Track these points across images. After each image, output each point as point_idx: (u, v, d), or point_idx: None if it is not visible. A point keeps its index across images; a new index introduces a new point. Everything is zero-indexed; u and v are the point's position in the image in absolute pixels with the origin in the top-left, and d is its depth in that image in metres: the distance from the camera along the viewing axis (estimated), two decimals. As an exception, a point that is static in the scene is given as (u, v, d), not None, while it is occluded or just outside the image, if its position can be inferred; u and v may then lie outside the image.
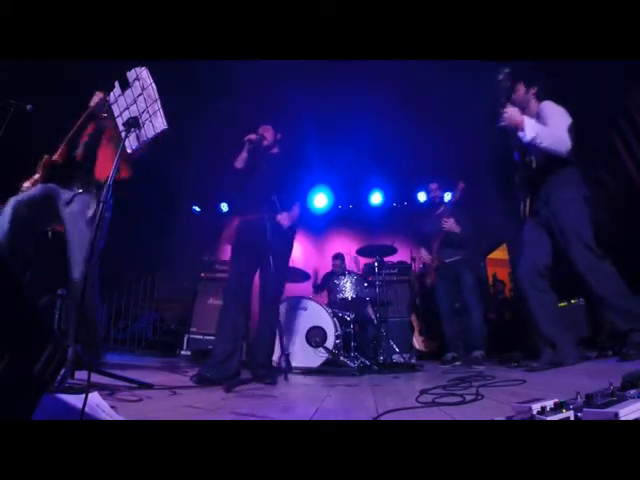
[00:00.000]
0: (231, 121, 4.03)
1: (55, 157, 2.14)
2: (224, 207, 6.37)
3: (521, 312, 3.96)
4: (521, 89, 2.28)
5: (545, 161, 2.16)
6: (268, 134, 2.49)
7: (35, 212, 2.03)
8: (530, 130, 2.01)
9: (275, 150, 2.55)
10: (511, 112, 2.07)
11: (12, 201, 1.98)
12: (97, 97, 2.20)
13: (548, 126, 2.05)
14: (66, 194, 2.14)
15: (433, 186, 3.66)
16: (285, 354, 2.40)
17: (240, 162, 2.39)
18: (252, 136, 2.37)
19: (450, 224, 3.30)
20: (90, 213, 2.11)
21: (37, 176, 2.16)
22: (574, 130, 2.08)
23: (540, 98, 2.23)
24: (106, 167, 2.15)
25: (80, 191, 2.16)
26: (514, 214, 2.44)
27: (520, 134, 2.08)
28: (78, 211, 2.09)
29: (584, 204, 2.10)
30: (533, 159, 2.22)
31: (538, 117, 2.13)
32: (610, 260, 1.99)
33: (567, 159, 2.11)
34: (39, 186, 2.12)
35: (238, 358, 2.08)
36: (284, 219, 2.26)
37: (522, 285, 2.24)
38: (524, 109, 2.22)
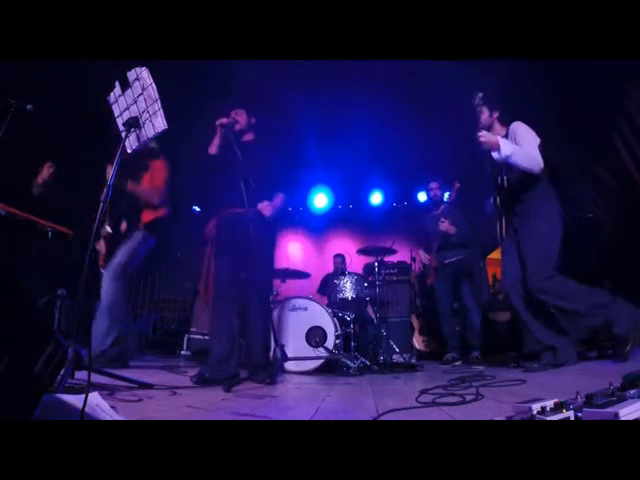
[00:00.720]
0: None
1: (107, 229, 2.52)
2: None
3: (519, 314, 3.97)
4: (485, 112, 2.40)
5: (520, 179, 2.24)
6: (241, 118, 2.34)
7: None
8: (505, 149, 2.09)
9: (250, 136, 2.40)
10: (485, 134, 2.17)
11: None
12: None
13: (521, 146, 2.13)
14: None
15: (433, 185, 3.66)
16: (280, 345, 2.39)
17: (214, 148, 2.24)
18: (224, 120, 2.20)
19: (446, 226, 3.30)
20: (129, 244, 2.52)
21: (103, 250, 2.54)
22: (542, 149, 2.17)
23: (502, 121, 2.37)
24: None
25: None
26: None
27: (494, 155, 2.17)
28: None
29: (555, 224, 2.16)
30: (505, 179, 2.32)
31: (508, 137, 2.24)
32: (561, 276, 2.08)
33: (540, 176, 2.19)
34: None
35: (236, 357, 2.06)
36: (265, 208, 2.12)
37: (509, 295, 2.32)
38: (489, 131, 2.33)
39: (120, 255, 2.45)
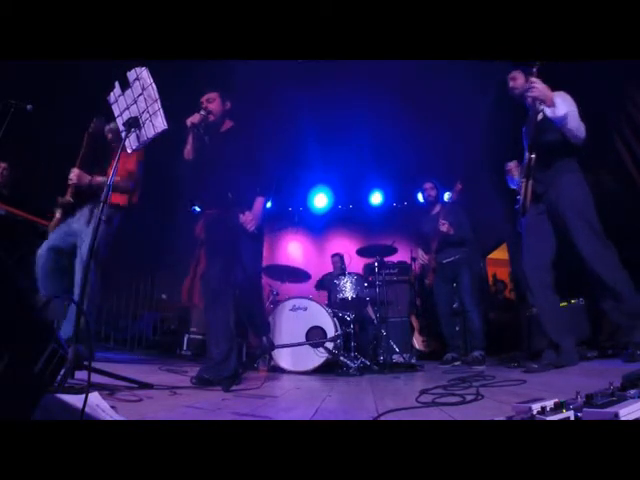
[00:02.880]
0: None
1: (67, 197, 2.34)
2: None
3: (522, 312, 3.97)
4: (519, 78, 2.21)
5: (557, 144, 2.08)
6: (214, 106, 2.11)
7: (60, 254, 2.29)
8: (562, 107, 1.93)
9: (227, 125, 2.20)
10: (540, 85, 1.96)
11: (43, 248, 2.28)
12: (74, 176, 2.29)
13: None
14: (78, 214, 2.35)
15: (427, 185, 3.65)
16: (267, 335, 2.44)
17: (188, 153, 2.08)
18: (195, 118, 2.00)
19: (446, 227, 3.30)
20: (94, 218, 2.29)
21: (58, 215, 2.36)
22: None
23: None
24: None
25: (86, 205, 2.35)
26: (514, 214, 2.39)
27: (547, 110, 1.98)
28: (83, 221, 2.30)
29: (589, 191, 2.04)
30: (547, 138, 2.10)
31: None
32: (614, 249, 1.94)
33: (576, 148, 2.05)
34: (59, 228, 2.33)
35: (235, 357, 2.04)
36: (248, 223, 2.03)
37: (529, 280, 2.14)
38: (524, 98, 2.16)
39: (87, 242, 2.25)
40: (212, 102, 2.12)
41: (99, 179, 2.34)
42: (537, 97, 1.98)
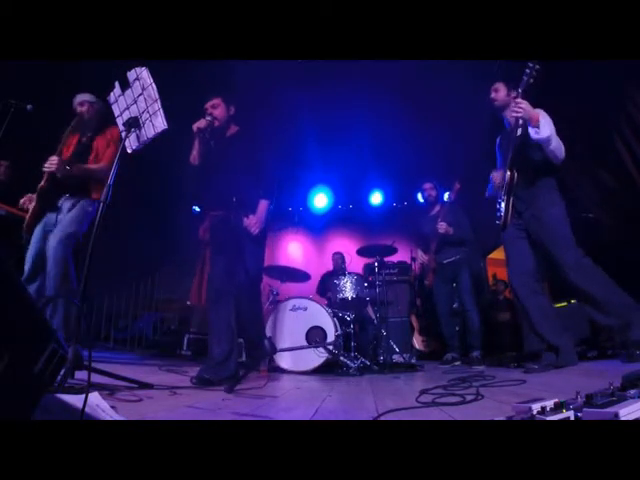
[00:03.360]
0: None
1: (42, 184, 2.23)
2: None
3: (521, 313, 3.97)
4: (501, 90, 2.27)
5: (538, 163, 2.16)
6: (218, 111, 2.15)
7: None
8: (546, 128, 1.98)
9: (233, 129, 2.24)
10: (526, 106, 2.01)
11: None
12: (53, 162, 2.17)
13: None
14: (58, 205, 2.26)
15: (427, 186, 3.66)
16: (268, 338, 2.43)
17: (195, 158, 2.13)
18: (201, 123, 2.05)
19: (445, 227, 3.30)
20: (73, 213, 2.24)
21: (34, 204, 2.26)
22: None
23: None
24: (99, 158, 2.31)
25: (67, 195, 2.27)
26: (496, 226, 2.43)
27: (531, 130, 2.03)
28: (65, 211, 2.23)
29: (563, 208, 2.13)
30: (528, 157, 2.17)
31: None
32: (590, 259, 2.02)
33: (553, 168, 2.14)
34: (39, 227, 2.25)
35: (236, 358, 2.06)
36: (252, 226, 2.07)
37: (516, 290, 2.24)
38: (503, 110, 2.25)
39: (66, 224, 2.22)
40: (216, 108, 2.15)
41: (81, 167, 2.23)
42: (523, 117, 2.04)
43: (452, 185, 3.37)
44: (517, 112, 2.04)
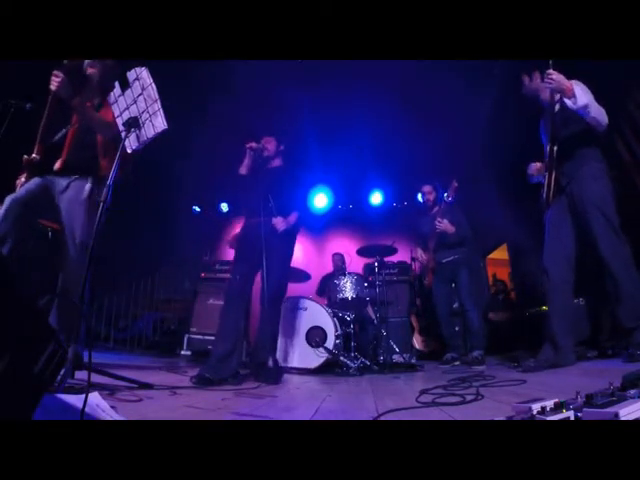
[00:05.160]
0: (231, 121, 4.04)
1: (33, 155, 2.02)
2: (224, 207, 6.38)
3: (522, 312, 3.97)
4: (536, 77, 2.20)
5: (579, 134, 2.06)
6: (270, 145, 2.59)
7: (32, 208, 1.94)
8: (582, 97, 1.92)
9: (277, 162, 2.64)
10: (558, 76, 1.95)
11: (7, 200, 1.91)
12: (56, 80, 1.86)
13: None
14: (62, 182, 2.02)
15: (426, 189, 3.65)
16: (274, 356, 2.33)
17: (244, 169, 2.49)
18: (253, 144, 2.46)
19: (444, 225, 3.29)
20: (84, 196, 1.97)
21: (23, 178, 2.04)
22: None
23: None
24: (104, 148, 2.04)
25: (76, 177, 2.03)
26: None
27: (568, 102, 1.97)
28: (73, 197, 1.98)
29: (610, 183, 2.04)
30: (569, 130, 2.09)
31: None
32: (630, 248, 1.93)
33: (598, 136, 2.04)
34: (34, 180, 2.00)
35: (237, 358, 2.09)
36: (279, 223, 2.32)
37: (549, 276, 2.12)
38: (538, 95, 2.17)
39: (79, 231, 1.94)
40: (269, 143, 2.59)
41: (89, 113, 1.94)
42: (556, 88, 1.97)
43: (450, 183, 3.37)
44: (550, 83, 1.97)
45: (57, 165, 2.08)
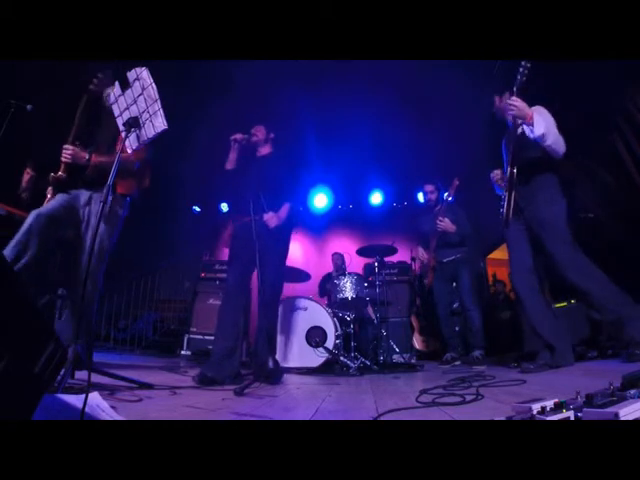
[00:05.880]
0: (231, 121, 4.03)
1: (60, 173, 2.06)
2: (224, 207, 6.39)
3: (521, 312, 3.96)
4: (500, 99, 2.34)
5: (536, 160, 2.18)
6: (259, 132, 2.48)
7: (55, 222, 1.98)
8: (540, 126, 2.01)
9: (267, 149, 2.53)
10: (520, 104, 2.04)
11: (32, 214, 1.95)
12: (67, 152, 1.99)
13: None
14: (85, 195, 2.07)
15: (428, 188, 3.65)
16: (273, 356, 2.33)
17: (230, 163, 2.38)
18: (237, 135, 2.35)
19: (445, 224, 3.29)
20: (106, 210, 1.95)
21: (49, 196, 2.10)
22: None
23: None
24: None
25: (97, 190, 2.05)
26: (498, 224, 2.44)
27: (527, 129, 2.08)
28: (95, 210, 2.03)
29: (563, 205, 2.14)
30: (528, 154, 2.19)
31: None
32: (584, 256, 2.03)
33: (553, 164, 2.15)
34: (59, 196, 2.05)
35: (238, 357, 2.09)
36: (271, 220, 2.24)
37: (517, 288, 2.26)
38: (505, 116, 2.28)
39: (98, 242, 1.98)
40: (258, 131, 2.49)
41: (101, 159, 2.01)
42: (516, 115, 2.08)
43: (451, 182, 3.38)
44: (512, 110, 2.07)
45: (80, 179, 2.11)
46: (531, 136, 2.07)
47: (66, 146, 2.00)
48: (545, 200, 2.16)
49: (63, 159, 2.00)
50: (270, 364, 2.13)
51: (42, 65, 2.62)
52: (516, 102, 2.05)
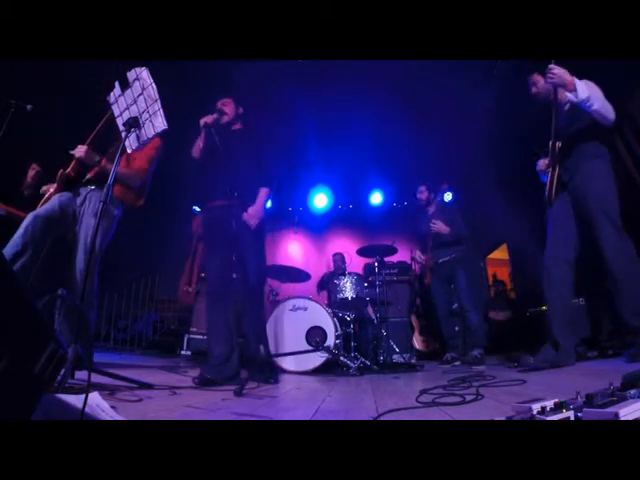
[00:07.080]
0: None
1: (69, 170, 2.11)
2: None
3: (522, 312, 3.96)
4: (539, 80, 2.20)
5: (582, 130, 2.05)
6: (228, 108, 2.26)
7: (53, 222, 2.02)
8: (583, 90, 1.91)
9: (237, 126, 2.33)
10: (559, 70, 1.94)
11: (30, 216, 1.98)
12: (81, 149, 2.04)
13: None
14: (81, 195, 2.13)
15: (420, 188, 3.67)
16: (264, 344, 2.27)
17: (196, 151, 2.19)
18: (208, 118, 2.13)
19: (439, 226, 3.30)
20: (98, 206, 2.06)
21: (52, 190, 2.13)
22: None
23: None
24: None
25: (93, 187, 2.15)
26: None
27: (569, 95, 1.96)
28: (90, 209, 2.09)
29: (612, 180, 2.02)
30: (574, 127, 2.07)
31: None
32: (633, 244, 1.91)
33: (605, 131, 2.02)
34: (59, 195, 2.09)
35: (237, 357, 2.06)
36: (251, 219, 2.07)
37: (549, 275, 2.10)
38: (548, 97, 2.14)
39: (90, 239, 2.00)
40: (227, 105, 2.27)
41: (110, 166, 2.02)
42: (557, 83, 1.96)
43: (440, 186, 3.42)
44: (551, 78, 1.96)
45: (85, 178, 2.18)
46: (575, 100, 1.93)
47: (81, 145, 2.06)
48: (594, 169, 2.01)
49: (76, 154, 2.05)
50: (261, 351, 2.05)
51: (42, 65, 2.61)
52: (555, 69, 1.93)
